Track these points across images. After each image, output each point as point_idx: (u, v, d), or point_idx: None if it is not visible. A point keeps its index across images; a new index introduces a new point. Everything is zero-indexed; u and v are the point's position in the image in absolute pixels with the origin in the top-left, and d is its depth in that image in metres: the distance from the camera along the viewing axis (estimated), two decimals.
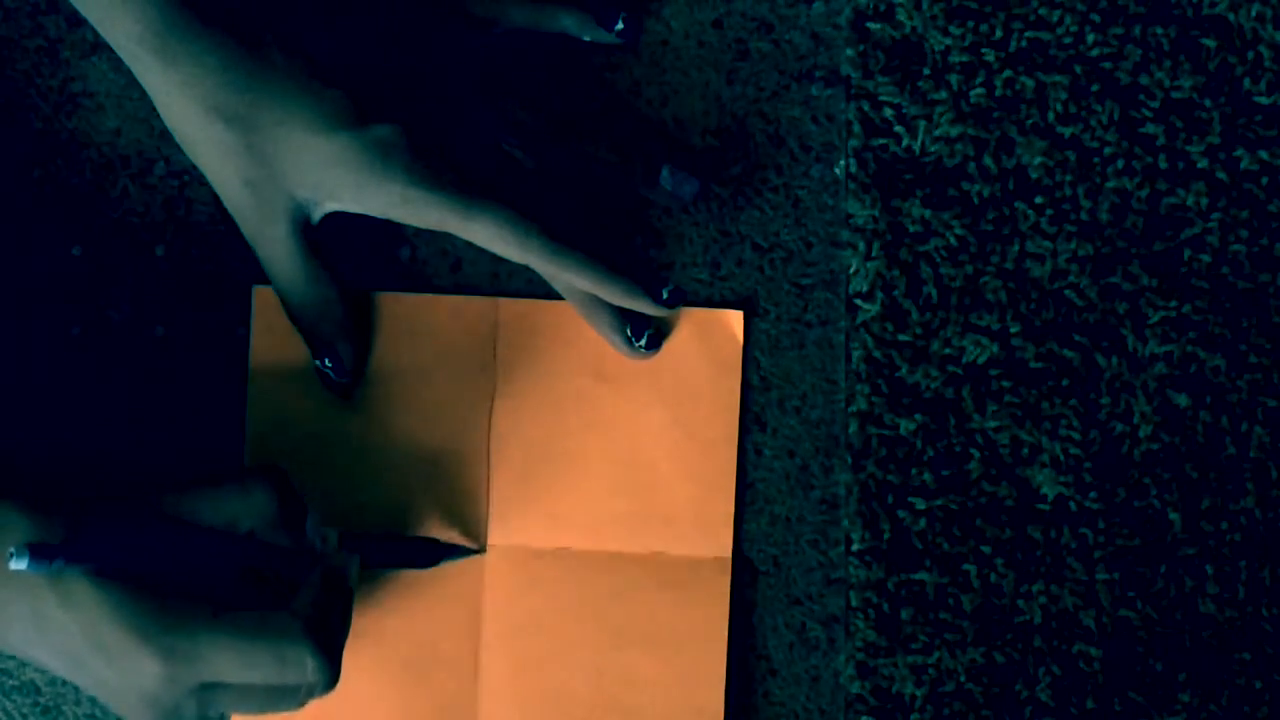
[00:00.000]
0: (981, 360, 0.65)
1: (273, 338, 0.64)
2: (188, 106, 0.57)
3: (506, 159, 0.62)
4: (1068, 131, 0.65)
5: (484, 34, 0.63)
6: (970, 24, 0.65)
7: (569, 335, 0.65)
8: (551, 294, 0.64)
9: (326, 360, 0.63)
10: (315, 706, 0.59)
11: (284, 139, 0.57)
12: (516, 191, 0.60)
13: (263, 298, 0.64)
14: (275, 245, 0.60)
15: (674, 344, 0.65)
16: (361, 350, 0.64)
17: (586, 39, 0.63)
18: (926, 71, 0.65)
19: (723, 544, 0.65)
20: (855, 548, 0.65)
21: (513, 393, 0.65)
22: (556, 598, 0.64)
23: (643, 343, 0.63)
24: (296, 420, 0.64)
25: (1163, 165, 0.65)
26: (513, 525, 0.65)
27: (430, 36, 0.62)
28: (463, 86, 0.62)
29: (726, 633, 0.64)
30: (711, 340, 0.65)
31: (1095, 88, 0.65)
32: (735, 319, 0.65)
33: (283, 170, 0.58)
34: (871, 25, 0.65)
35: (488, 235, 0.59)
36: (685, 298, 0.63)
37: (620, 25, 0.63)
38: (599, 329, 0.64)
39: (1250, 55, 0.65)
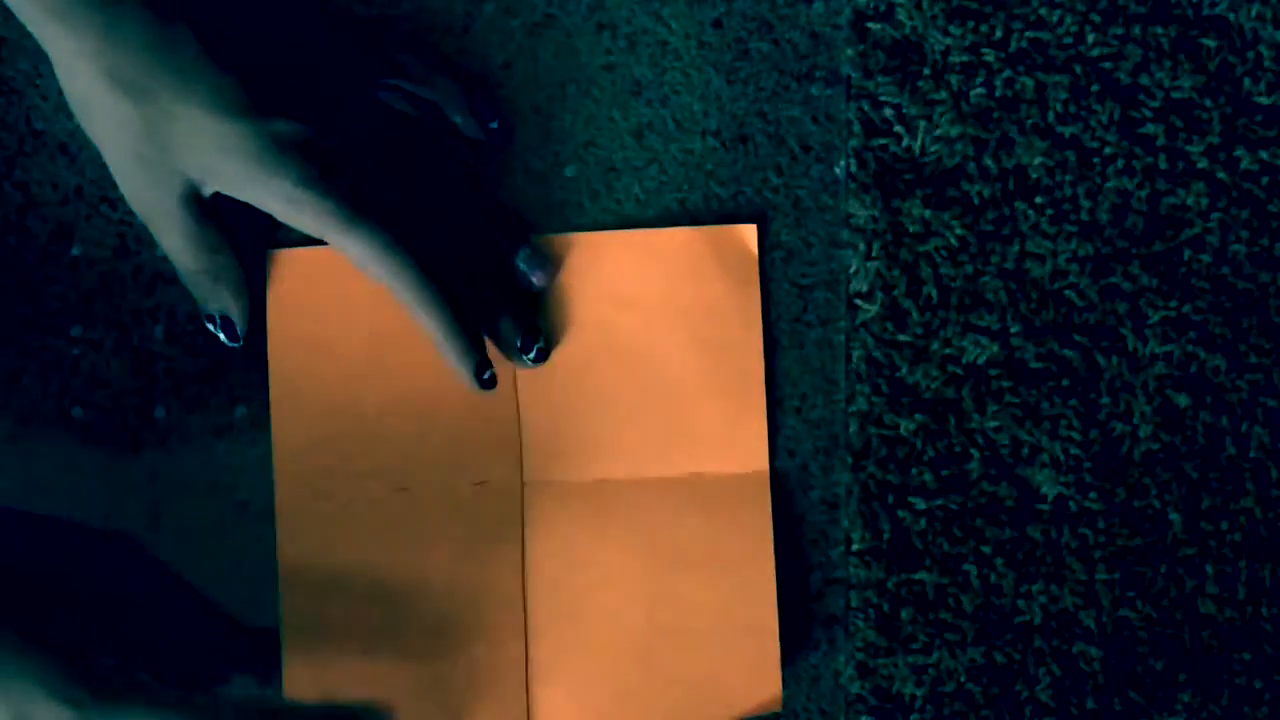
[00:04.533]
0: (981, 360, 0.65)
1: (290, 301, 0.64)
2: (90, 76, 0.57)
3: (394, 181, 0.62)
4: (1068, 131, 0.65)
5: (371, 78, 0.63)
6: (970, 24, 0.65)
7: (585, 266, 0.65)
8: (546, 226, 0.65)
9: (216, 325, 0.63)
10: (370, 665, 0.62)
11: (182, 116, 0.57)
12: (398, 216, 0.60)
13: (277, 262, 0.64)
14: (163, 216, 0.60)
15: (691, 263, 0.65)
16: (254, 312, 0.63)
17: (458, 120, 0.64)
18: (926, 71, 0.65)
19: (759, 458, 0.64)
20: (855, 548, 0.65)
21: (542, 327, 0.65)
22: (599, 530, 0.64)
23: (531, 355, 0.63)
24: (320, 381, 0.64)
25: (1163, 165, 0.65)
26: (548, 461, 0.65)
27: (330, 48, 0.62)
28: (359, 99, 0.62)
29: (772, 546, 0.64)
30: (727, 256, 0.65)
31: (1095, 88, 0.65)
32: (749, 233, 0.65)
33: (175, 147, 0.58)
34: (871, 25, 0.65)
35: (360, 255, 0.59)
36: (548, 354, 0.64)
37: (495, 124, 0.64)
38: (488, 331, 0.63)
39: (1250, 55, 0.65)
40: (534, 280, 0.64)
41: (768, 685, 0.64)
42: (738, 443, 0.64)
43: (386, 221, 0.59)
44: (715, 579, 0.64)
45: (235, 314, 0.62)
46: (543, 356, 0.64)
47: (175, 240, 0.60)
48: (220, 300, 0.62)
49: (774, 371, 0.66)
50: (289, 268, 0.64)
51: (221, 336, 0.63)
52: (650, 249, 0.65)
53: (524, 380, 0.65)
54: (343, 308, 0.64)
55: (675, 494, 0.64)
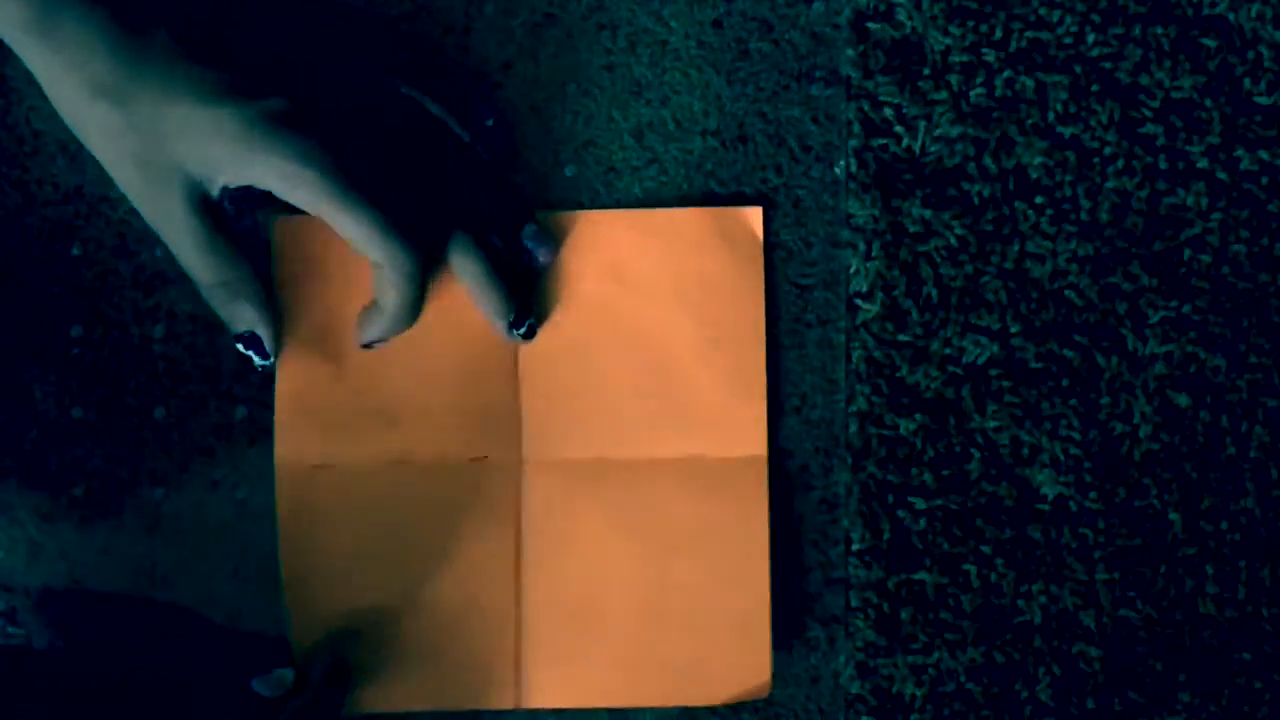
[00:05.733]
0: (981, 360, 0.65)
1: (296, 267, 0.64)
2: (75, 88, 0.57)
3: (393, 159, 0.62)
4: (1068, 131, 0.65)
5: (369, 69, 0.63)
6: (970, 24, 0.65)
7: (588, 244, 0.65)
8: (567, 204, 0.65)
9: (245, 345, 0.62)
10: (364, 631, 0.63)
11: (168, 113, 0.57)
12: (395, 194, 0.60)
13: (283, 228, 0.64)
14: (175, 224, 0.59)
15: (696, 244, 0.65)
16: (279, 329, 0.63)
17: (452, 119, 0.64)
18: (926, 71, 0.65)
19: (758, 442, 0.64)
20: (855, 548, 0.65)
21: (536, 305, 0.65)
22: (595, 509, 0.64)
23: (521, 331, 0.64)
24: (324, 349, 0.64)
25: (1163, 165, 0.65)
26: (547, 438, 0.65)
27: (326, 44, 0.63)
28: (357, 82, 0.62)
29: (768, 532, 0.64)
30: (732, 238, 0.65)
31: (1095, 88, 0.65)
32: (754, 215, 0.65)
33: (169, 144, 0.58)
34: (871, 25, 0.65)
35: (353, 232, 0.58)
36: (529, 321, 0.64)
37: (491, 123, 0.65)
38: (479, 304, 0.63)
39: (1250, 55, 0.65)
40: (538, 257, 0.64)
41: (758, 671, 0.64)
42: (736, 427, 0.64)
43: (379, 200, 0.59)
44: (709, 563, 0.64)
45: (262, 329, 0.61)
46: (532, 333, 0.64)
47: (189, 249, 0.60)
48: (244, 316, 0.61)
49: (774, 371, 0.66)
50: (296, 234, 0.64)
51: (253, 357, 0.62)
52: (655, 228, 0.65)
53: (525, 357, 0.65)
54: (349, 276, 0.64)
55: (672, 476, 0.64)
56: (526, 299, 0.64)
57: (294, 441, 0.64)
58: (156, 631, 0.65)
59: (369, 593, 0.64)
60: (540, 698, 0.64)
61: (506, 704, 0.64)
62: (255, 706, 0.63)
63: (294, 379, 0.64)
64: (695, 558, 0.64)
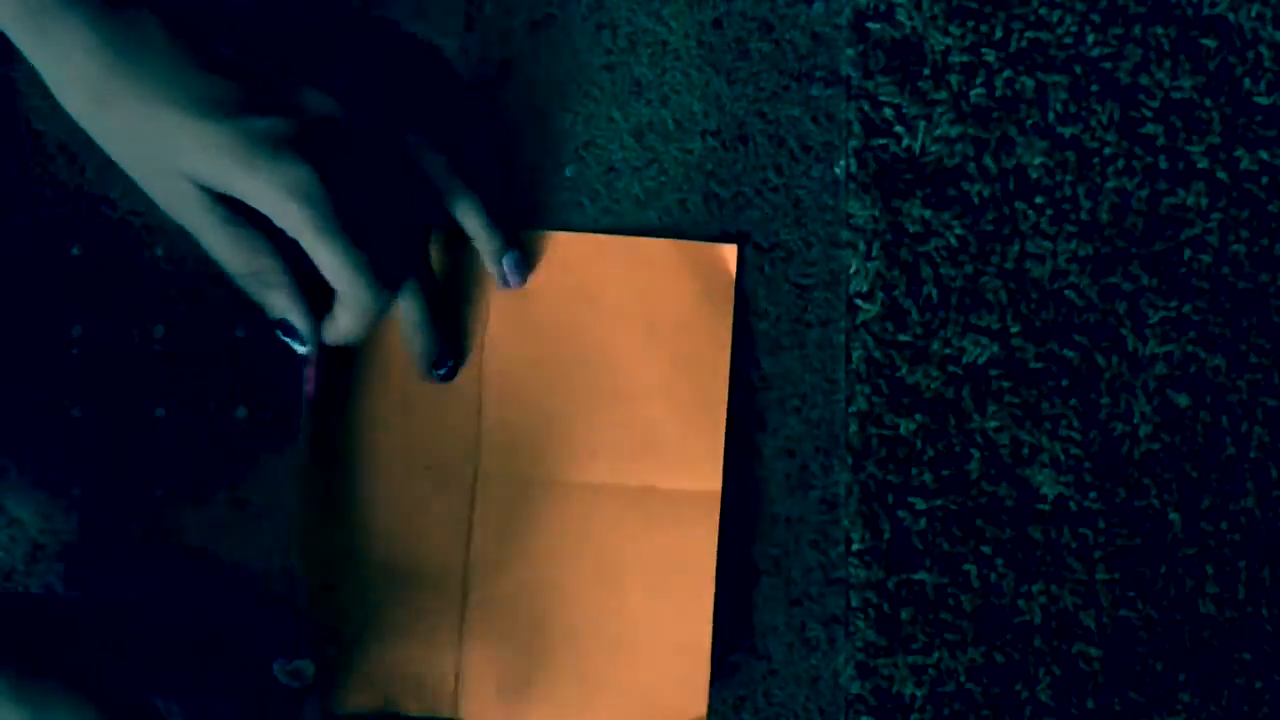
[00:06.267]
0: (981, 360, 0.65)
1: None
2: (72, 86, 0.56)
3: (380, 186, 0.61)
4: (1068, 131, 0.65)
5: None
6: (970, 24, 0.65)
7: (563, 267, 0.65)
8: (545, 225, 0.65)
9: (284, 332, 0.61)
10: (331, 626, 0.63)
11: (159, 119, 0.56)
12: (374, 238, 0.59)
13: None
14: (195, 220, 0.58)
15: (668, 276, 0.65)
16: (317, 315, 0.61)
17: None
18: (926, 71, 0.65)
19: (712, 478, 0.64)
20: (855, 548, 0.65)
21: (506, 323, 0.65)
22: (545, 529, 0.65)
23: (441, 372, 0.64)
24: (344, 358, 0.65)
25: (1163, 165, 0.65)
26: (503, 455, 0.65)
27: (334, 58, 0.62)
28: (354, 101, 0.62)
29: (715, 567, 0.64)
30: (704, 273, 0.65)
31: (1095, 88, 0.65)
32: (729, 252, 0.65)
33: (163, 150, 0.57)
34: (871, 25, 0.65)
35: (328, 268, 0.58)
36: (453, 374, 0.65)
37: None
38: (408, 344, 0.64)
39: (1250, 55, 0.65)
40: (510, 282, 0.64)
41: (694, 704, 0.64)
42: (693, 461, 0.64)
43: (360, 238, 0.58)
44: (654, 593, 0.64)
45: (295, 317, 0.60)
46: (452, 374, 0.65)
47: (214, 242, 0.58)
48: (277, 304, 0.60)
49: (774, 372, 0.66)
50: None
51: (290, 343, 0.61)
52: (629, 257, 0.65)
53: (489, 371, 0.65)
54: None
55: (625, 504, 0.64)
56: (456, 341, 0.65)
57: (318, 438, 0.64)
58: (174, 582, 0.65)
59: (342, 589, 0.64)
60: (478, 710, 0.64)
61: (444, 712, 0.64)
62: (273, 689, 0.62)
63: (326, 378, 0.64)
64: (640, 586, 0.64)
